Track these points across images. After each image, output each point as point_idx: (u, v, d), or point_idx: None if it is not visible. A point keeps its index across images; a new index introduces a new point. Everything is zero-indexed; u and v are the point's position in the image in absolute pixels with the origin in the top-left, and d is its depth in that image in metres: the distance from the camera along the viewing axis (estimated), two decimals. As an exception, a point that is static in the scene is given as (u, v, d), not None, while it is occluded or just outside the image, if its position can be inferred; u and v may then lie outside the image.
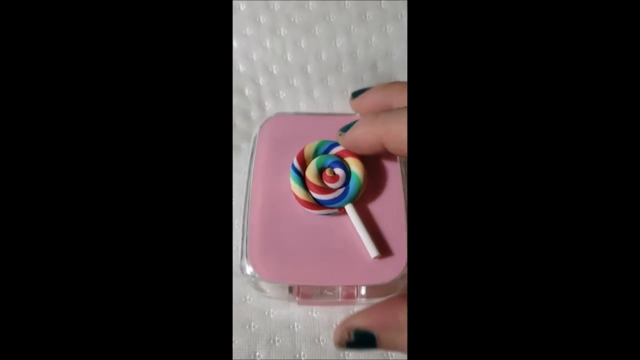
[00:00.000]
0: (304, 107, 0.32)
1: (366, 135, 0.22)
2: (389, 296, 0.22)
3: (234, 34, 0.33)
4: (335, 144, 0.24)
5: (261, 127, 0.26)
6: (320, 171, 0.24)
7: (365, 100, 0.25)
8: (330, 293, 0.22)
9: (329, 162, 0.24)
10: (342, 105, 0.32)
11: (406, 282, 0.22)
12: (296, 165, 0.24)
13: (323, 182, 0.23)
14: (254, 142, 0.26)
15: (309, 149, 0.24)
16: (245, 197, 0.24)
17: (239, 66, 0.33)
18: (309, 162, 0.24)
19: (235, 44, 0.33)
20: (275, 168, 0.24)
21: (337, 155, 0.24)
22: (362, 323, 0.19)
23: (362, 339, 0.19)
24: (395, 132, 0.21)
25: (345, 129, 0.24)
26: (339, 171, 0.24)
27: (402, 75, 0.32)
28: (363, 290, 0.22)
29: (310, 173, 0.23)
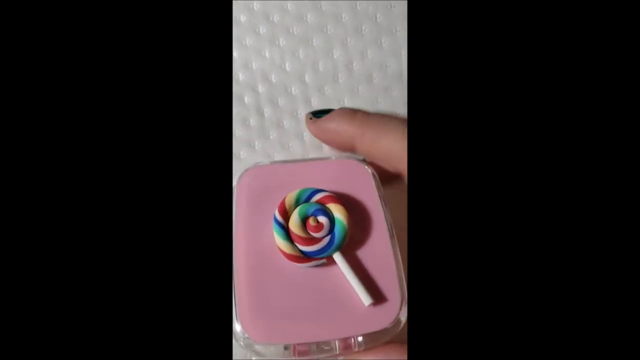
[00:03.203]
0: (302, 114, 0.33)
1: (340, 131, 0.23)
2: (384, 340, 0.22)
3: (234, 44, 0.33)
4: (316, 191, 0.24)
5: (239, 179, 0.26)
6: (304, 220, 0.23)
7: (327, 126, 0.26)
8: (327, 347, 0.21)
9: (311, 210, 0.23)
10: (339, 114, 0.33)
11: (401, 326, 0.22)
12: (278, 217, 0.23)
13: (307, 232, 0.23)
14: (233, 197, 0.25)
15: (290, 199, 0.24)
16: (233, 254, 0.23)
17: (239, 75, 0.33)
18: (291, 213, 0.23)
19: (235, 53, 0.34)
20: (257, 222, 0.24)
21: (319, 202, 0.24)
22: None
23: None
24: (369, 138, 0.22)
25: (318, 113, 0.24)
26: (322, 219, 0.23)
27: (398, 87, 0.33)
28: (360, 339, 0.21)
29: (294, 224, 0.23)
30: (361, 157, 0.26)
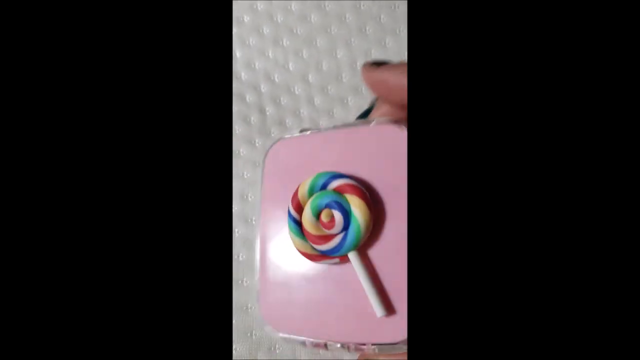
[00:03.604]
0: (304, 113, 0.32)
1: (397, 83, 0.19)
2: (398, 351, 0.20)
3: (237, 44, 0.33)
4: (334, 177, 0.20)
5: (265, 155, 0.23)
6: (318, 215, 0.20)
7: (384, 76, 0.20)
8: (339, 346, 0.20)
9: (325, 201, 0.20)
10: (343, 114, 0.33)
11: None
12: (292, 211, 0.21)
13: (321, 228, 0.20)
14: (262, 170, 0.23)
15: (303, 188, 0.21)
16: (258, 241, 0.22)
17: (242, 74, 0.33)
18: (305, 205, 0.21)
19: (238, 53, 0.33)
20: (281, 208, 0.22)
21: (336, 190, 0.20)
22: None
23: None
24: None
25: (380, 64, 0.20)
26: (336, 214, 0.20)
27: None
28: (373, 348, 0.20)
29: (307, 220, 0.20)
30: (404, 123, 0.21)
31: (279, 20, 0.33)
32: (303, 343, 0.21)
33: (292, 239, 0.21)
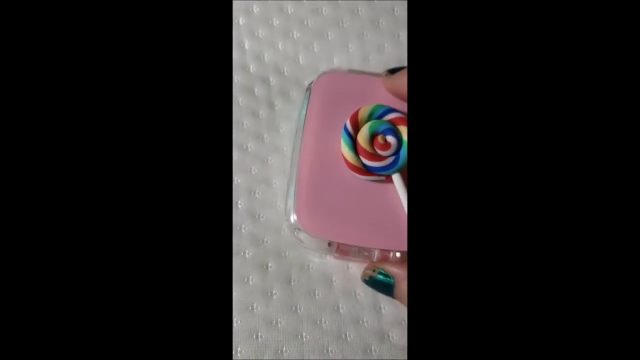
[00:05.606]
0: (315, 108, 0.31)
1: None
2: None
3: (246, 35, 0.32)
4: (390, 110, 0.24)
5: (314, 83, 0.26)
6: (372, 137, 0.23)
7: (400, 80, 0.24)
8: (367, 253, 0.23)
9: (381, 128, 0.23)
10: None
11: None
12: (349, 127, 0.23)
13: (374, 148, 0.23)
14: (307, 97, 0.25)
15: (364, 112, 0.24)
16: (293, 151, 0.25)
17: (250, 67, 0.32)
18: (362, 126, 0.24)
19: (246, 45, 0.32)
20: (328, 126, 0.24)
21: (390, 121, 0.24)
22: (387, 267, 0.23)
23: (382, 278, 0.23)
24: None
25: (393, 71, 0.23)
26: (391, 139, 0.23)
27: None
28: (398, 254, 0.23)
29: (362, 138, 0.23)
30: None
31: (290, 12, 0.32)
32: (330, 248, 0.23)
33: (344, 151, 0.23)
